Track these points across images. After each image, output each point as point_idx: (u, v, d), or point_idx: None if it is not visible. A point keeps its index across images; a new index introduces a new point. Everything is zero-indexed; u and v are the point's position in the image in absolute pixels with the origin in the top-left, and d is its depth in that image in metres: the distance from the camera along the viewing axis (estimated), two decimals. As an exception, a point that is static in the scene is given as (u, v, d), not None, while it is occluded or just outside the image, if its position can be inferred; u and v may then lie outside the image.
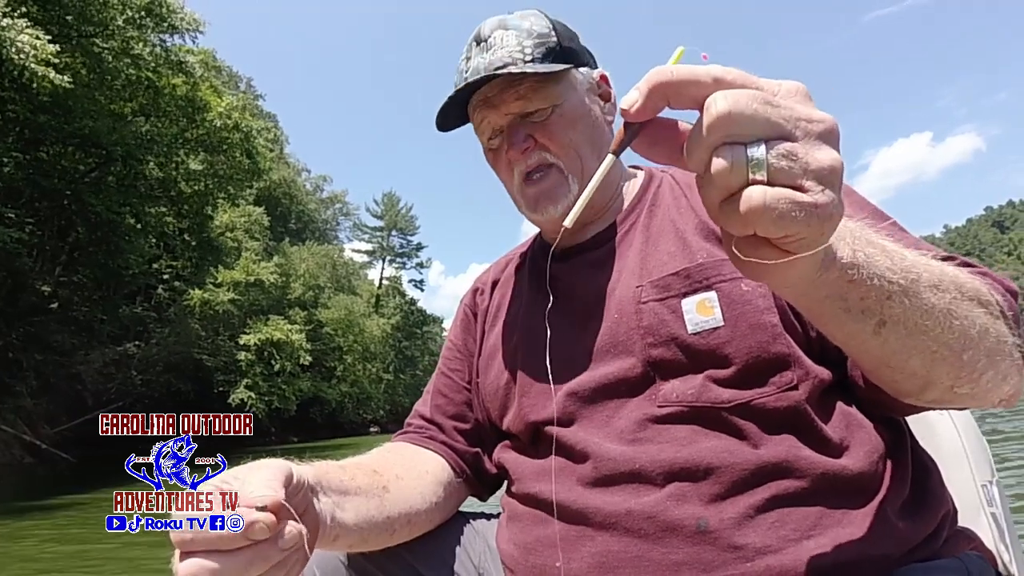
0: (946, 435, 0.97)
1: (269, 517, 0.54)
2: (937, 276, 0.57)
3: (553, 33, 0.91)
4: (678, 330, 0.79)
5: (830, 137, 0.42)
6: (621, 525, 0.73)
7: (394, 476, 0.86)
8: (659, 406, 0.78)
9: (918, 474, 0.75)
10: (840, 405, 0.75)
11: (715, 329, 0.77)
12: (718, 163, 0.41)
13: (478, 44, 0.92)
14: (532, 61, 0.88)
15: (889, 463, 0.73)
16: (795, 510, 0.69)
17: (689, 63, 0.45)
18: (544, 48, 0.89)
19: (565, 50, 0.92)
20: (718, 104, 0.41)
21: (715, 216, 0.44)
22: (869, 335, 0.56)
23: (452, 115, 0.96)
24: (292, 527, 0.56)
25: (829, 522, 0.68)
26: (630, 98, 0.44)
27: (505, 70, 0.86)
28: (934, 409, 0.71)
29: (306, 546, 0.58)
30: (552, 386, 0.87)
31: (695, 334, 0.77)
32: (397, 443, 1.02)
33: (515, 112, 0.91)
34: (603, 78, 0.99)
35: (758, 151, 0.41)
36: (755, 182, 0.40)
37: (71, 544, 5.56)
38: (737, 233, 0.44)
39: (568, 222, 0.50)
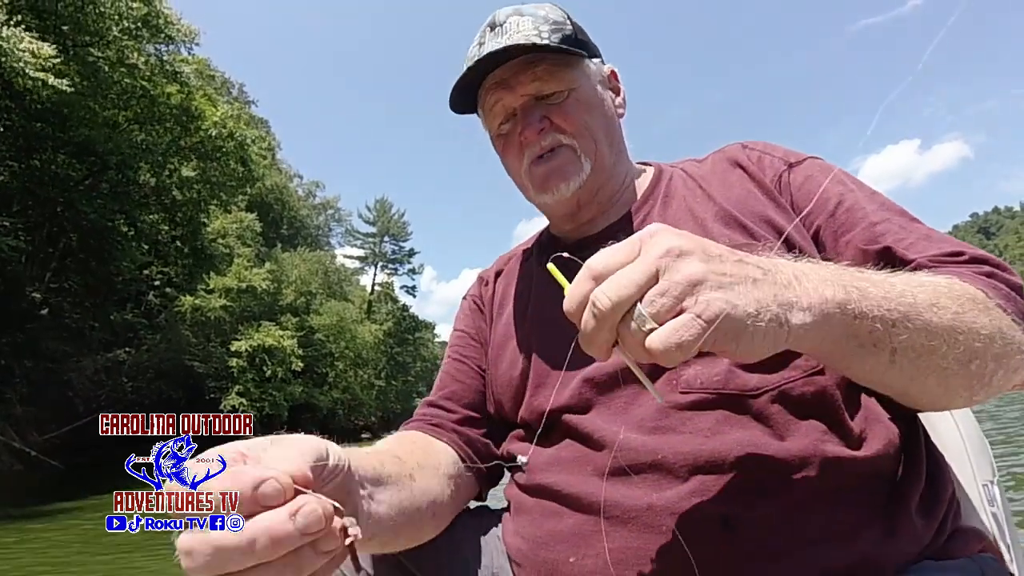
0: (947, 434, 0.97)
1: (286, 479, 0.44)
2: (932, 295, 0.59)
3: (568, 22, 0.92)
4: None
5: (688, 254, 0.51)
6: (642, 520, 0.70)
7: (416, 464, 0.80)
8: (681, 392, 0.76)
9: (932, 469, 0.74)
10: (862, 396, 0.75)
11: None
12: (623, 338, 0.52)
13: (492, 29, 0.91)
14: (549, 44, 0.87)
15: (905, 457, 0.72)
16: (819, 508, 0.67)
17: None
18: (561, 34, 0.89)
19: (579, 41, 0.92)
20: (590, 317, 0.52)
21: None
22: (886, 366, 0.59)
23: (463, 99, 0.95)
24: (311, 503, 0.44)
25: (852, 519, 0.67)
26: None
27: (526, 43, 0.85)
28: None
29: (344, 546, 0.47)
30: (566, 372, 0.85)
31: None
32: (409, 432, 0.97)
33: (531, 93, 0.91)
34: (613, 74, 1.00)
35: (636, 309, 0.50)
36: (652, 331, 0.49)
37: (61, 551, 5.50)
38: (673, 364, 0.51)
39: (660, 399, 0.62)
